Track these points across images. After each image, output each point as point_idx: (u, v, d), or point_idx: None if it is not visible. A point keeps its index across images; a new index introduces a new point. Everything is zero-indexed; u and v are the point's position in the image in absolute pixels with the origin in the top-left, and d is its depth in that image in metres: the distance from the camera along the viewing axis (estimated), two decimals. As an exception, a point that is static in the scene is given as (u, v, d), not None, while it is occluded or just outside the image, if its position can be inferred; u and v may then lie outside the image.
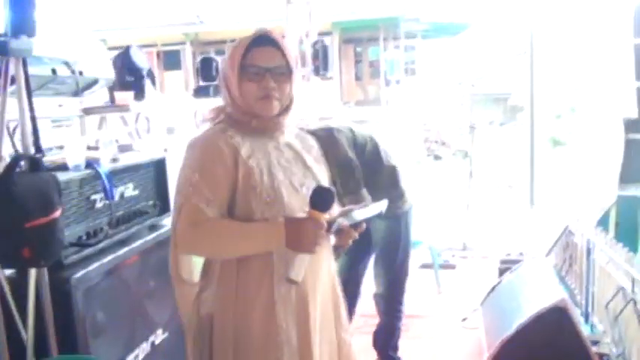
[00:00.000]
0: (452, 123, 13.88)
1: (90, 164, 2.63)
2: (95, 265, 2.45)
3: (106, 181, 2.63)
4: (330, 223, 1.74)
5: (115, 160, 2.86)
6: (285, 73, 1.83)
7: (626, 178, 4.81)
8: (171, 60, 14.85)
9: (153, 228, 3.02)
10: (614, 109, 6.05)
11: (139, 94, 3.61)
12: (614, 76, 6.19)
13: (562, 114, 8.67)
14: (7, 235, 1.97)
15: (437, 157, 14.90)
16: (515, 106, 12.94)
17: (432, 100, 14.02)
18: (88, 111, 3.42)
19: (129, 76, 3.66)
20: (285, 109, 1.88)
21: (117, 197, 2.76)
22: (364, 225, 1.87)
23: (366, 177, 3.24)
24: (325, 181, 1.96)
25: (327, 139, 3.12)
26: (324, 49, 5.70)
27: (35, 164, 2.14)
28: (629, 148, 4.91)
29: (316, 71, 5.69)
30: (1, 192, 1.97)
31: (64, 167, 2.59)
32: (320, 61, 5.70)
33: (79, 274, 2.35)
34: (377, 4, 12.22)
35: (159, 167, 3.12)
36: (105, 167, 2.67)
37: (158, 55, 15.37)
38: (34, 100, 2.35)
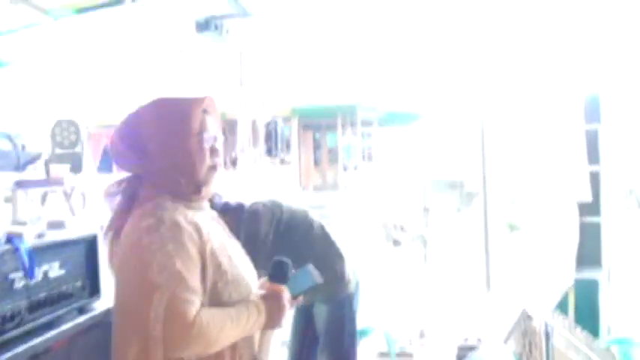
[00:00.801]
0: (409, 208, 13.93)
1: (10, 239, 2.41)
2: (10, 354, 2.20)
3: (25, 259, 2.40)
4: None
5: (40, 236, 2.65)
6: (220, 141, 1.82)
7: (582, 261, 4.78)
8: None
9: (82, 311, 2.77)
10: (568, 193, 6.11)
11: (76, 167, 3.45)
12: (567, 161, 6.28)
13: (516, 199, 8.75)
14: None
15: (396, 243, 14.81)
16: (472, 192, 13.06)
17: (389, 186, 14.11)
18: (20, 184, 3.23)
19: (65, 149, 3.50)
20: None
21: (39, 277, 2.53)
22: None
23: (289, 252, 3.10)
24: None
25: (235, 211, 3.04)
26: (276, 129, 5.66)
27: None
28: (584, 231, 4.91)
29: (269, 152, 5.62)
30: None
31: (-22, 242, 2.38)
32: (272, 142, 5.64)
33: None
34: (335, 92, 12.44)
35: (89, 245, 2.89)
36: (27, 244, 2.45)
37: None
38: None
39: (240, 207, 3.14)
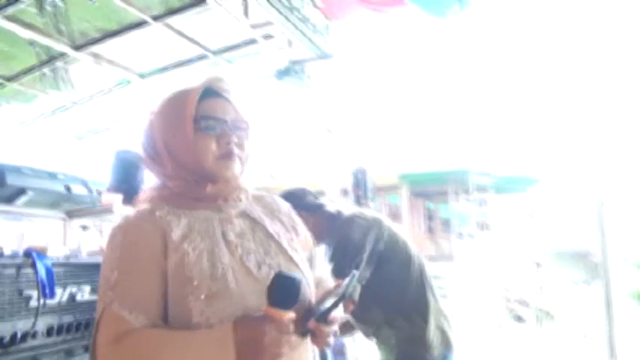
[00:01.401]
0: (531, 281, 12.93)
1: (29, 253, 2.27)
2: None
3: (42, 274, 2.23)
4: (302, 321, 1.29)
5: (70, 257, 2.51)
6: (243, 127, 1.47)
7: None
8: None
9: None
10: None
11: (132, 198, 3.33)
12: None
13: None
14: None
15: (518, 319, 13.74)
16: (599, 263, 11.86)
17: (508, 257, 13.24)
18: (70, 214, 3.18)
19: (124, 183, 3.42)
20: (243, 171, 1.50)
21: (63, 298, 2.37)
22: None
23: (383, 276, 2.70)
24: (298, 256, 1.49)
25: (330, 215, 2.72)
26: (364, 176, 5.38)
27: None
28: None
29: (357, 201, 5.33)
30: None
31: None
32: (361, 189, 5.36)
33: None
34: (443, 157, 12.03)
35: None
36: (49, 261, 2.31)
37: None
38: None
39: (338, 213, 2.84)
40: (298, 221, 1.60)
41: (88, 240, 3.24)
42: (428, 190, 13.76)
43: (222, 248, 1.38)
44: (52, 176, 3.72)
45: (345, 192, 5.66)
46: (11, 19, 5.00)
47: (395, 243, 2.88)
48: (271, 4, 4.27)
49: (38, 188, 3.44)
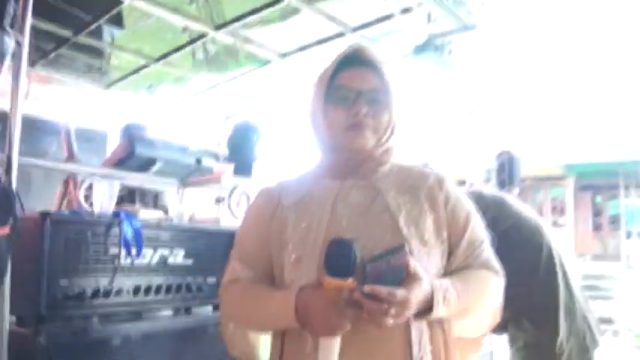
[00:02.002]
0: None
1: (117, 214, 2.29)
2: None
3: (129, 233, 2.24)
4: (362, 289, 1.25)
5: (165, 221, 2.52)
6: (381, 99, 1.47)
7: None
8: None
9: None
10: None
11: (246, 171, 3.34)
12: None
13: None
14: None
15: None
16: None
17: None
18: (183, 182, 3.22)
19: (236, 153, 3.42)
20: (381, 143, 1.49)
21: (152, 260, 2.37)
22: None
23: None
24: (414, 232, 1.40)
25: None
26: (511, 160, 4.94)
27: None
28: None
29: (501, 185, 4.91)
30: None
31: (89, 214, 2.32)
32: (506, 174, 4.93)
33: (51, 332, 1.94)
34: (615, 147, 10.89)
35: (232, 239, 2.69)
36: (139, 223, 2.31)
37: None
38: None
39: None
40: (450, 201, 1.51)
41: (202, 208, 3.29)
42: (596, 184, 12.62)
43: (325, 217, 1.41)
44: (183, 149, 3.82)
45: (488, 178, 5.27)
46: (160, 4, 5.20)
47: (520, 228, 2.54)
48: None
49: (168, 159, 3.53)
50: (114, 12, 5.35)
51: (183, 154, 3.71)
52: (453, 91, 5.77)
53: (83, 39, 5.87)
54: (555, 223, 10.78)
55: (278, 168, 4.67)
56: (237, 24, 5.59)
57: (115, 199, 2.42)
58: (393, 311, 1.22)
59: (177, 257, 2.48)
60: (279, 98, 6.54)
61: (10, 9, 1.93)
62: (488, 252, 1.57)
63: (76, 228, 2.14)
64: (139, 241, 2.29)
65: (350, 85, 1.46)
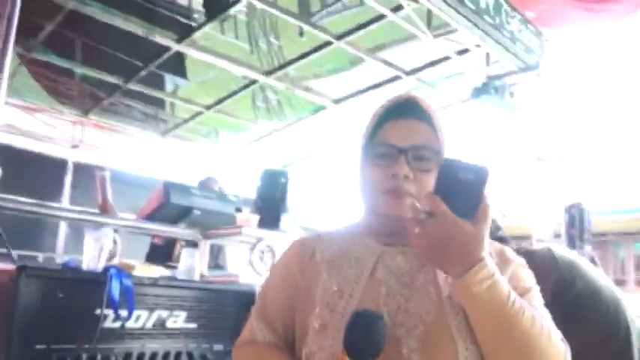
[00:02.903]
0: None
1: (106, 270, 2.08)
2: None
3: (115, 291, 2.02)
4: None
5: (165, 278, 2.29)
6: (430, 157, 1.22)
7: None
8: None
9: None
10: None
11: (273, 224, 3.09)
12: None
13: None
14: None
15: None
16: None
17: None
18: (205, 234, 3.00)
19: (264, 203, 3.18)
20: None
21: (147, 323, 2.14)
22: None
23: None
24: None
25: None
26: (581, 214, 4.47)
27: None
28: None
29: (571, 241, 4.44)
30: None
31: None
32: (576, 229, 4.46)
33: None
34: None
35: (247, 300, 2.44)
36: (128, 281, 2.10)
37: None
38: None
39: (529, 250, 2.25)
40: (511, 275, 1.22)
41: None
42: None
43: (362, 282, 1.21)
44: (222, 197, 3.65)
45: (556, 232, 4.80)
46: (223, 56, 5.22)
47: (595, 295, 2.14)
48: (456, 9, 3.75)
49: (205, 208, 3.35)
50: (177, 63, 5.55)
51: (222, 203, 3.52)
52: (518, 136, 5.38)
53: (147, 89, 5.99)
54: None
55: (320, 221, 4.42)
56: (293, 72, 5.59)
57: (106, 251, 2.21)
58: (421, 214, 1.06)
59: (178, 320, 2.23)
60: (335, 146, 6.36)
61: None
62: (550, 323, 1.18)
63: (55, 284, 1.93)
64: (129, 301, 2.07)
65: (391, 140, 1.23)
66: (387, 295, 1.17)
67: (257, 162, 6.96)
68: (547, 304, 1.53)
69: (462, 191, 1.05)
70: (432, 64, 4.88)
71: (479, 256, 1.07)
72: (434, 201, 1.05)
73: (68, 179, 6.33)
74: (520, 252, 2.13)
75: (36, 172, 5.72)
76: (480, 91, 4.47)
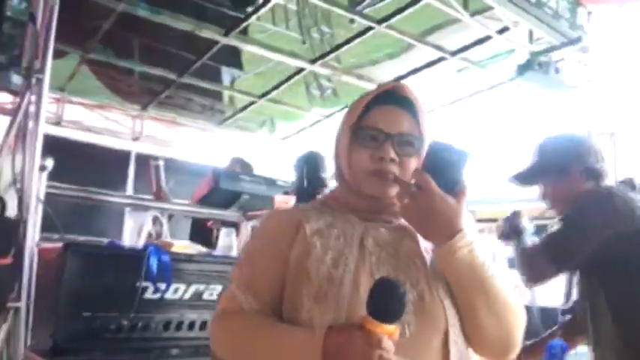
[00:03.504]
0: None
1: (146, 247, 2.27)
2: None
3: (153, 266, 2.21)
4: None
5: (202, 255, 2.46)
6: (413, 143, 1.32)
7: None
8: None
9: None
10: None
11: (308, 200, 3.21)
12: None
13: None
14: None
15: None
16: None
17: None
18: (246, 216, 3.16)
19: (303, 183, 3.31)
20: None
21: (184, 295, 2.32)
22: None
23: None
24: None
25: None
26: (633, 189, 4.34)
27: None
28: None
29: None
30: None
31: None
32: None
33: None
34: None
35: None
36: (167, 257, 2.28)
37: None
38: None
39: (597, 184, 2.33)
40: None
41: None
42: None
43: (353, 252, 1.27)
44: (270, 183, 3.79)
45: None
46: (276, 50, 5.38)
47: None
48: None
49: (253, 193, 3.51)
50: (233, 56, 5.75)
51: (270, 187, 3.67)
52: (567, 113, 5.28)
53: (203, 81, 6.25)
54: None
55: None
56: (347, 60, 5.69)
57: (145, 231, 2.40)
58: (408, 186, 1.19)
59: (214, 293, 2.40)
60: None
61: (16, 51, 2.01)
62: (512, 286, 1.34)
63: (98, 260, 2.13)
64: (166, 275, 2.24)
65: (377, 125, 1.32)
66: (378, 265, 1.25)
67: (312, 149, 7.12)
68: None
69: (446, 170, 1.18)
70: (475, 44, 4.87)
71: (460, 226, 1.19)
72: (424, 177, 1.16)
73: (131, 170, 6.70)
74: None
75: (101, 165, 6.08)
76: (524, 68, 4.43)
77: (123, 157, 6.67)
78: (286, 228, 1.32)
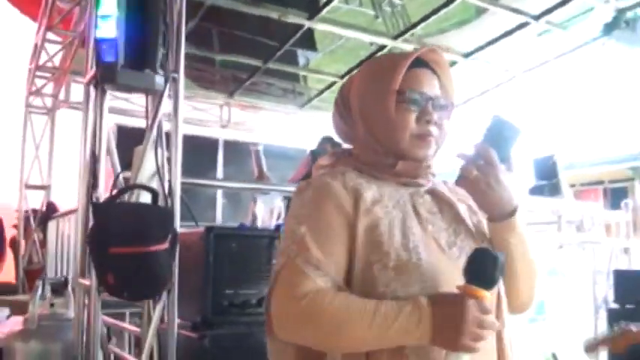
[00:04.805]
0: None
1: (278, 226, 2.44)
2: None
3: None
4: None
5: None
6: (447, 107, 1.36)
7: None
8: (618, 198, 13.36)
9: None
10: None
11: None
12: None
13: None
14: (95, 257, 1.97)
15: None
16: None
17: None
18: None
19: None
20: (437, 152, 1.39)
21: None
22: None
23: None
24: (487, 241, 1.37)
25: None
26: None
27: (154, 196, 2.11)
28: None
29: None
30: (97, 215, 2.00)
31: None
32: None
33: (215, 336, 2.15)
34: None
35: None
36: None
37: (605, 192, 14.24)
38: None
39: None
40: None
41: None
42: None
43: (414, 220, 1.28)
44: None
45: None
46: (349, 25, 5.47)
47: None
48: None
49: None
50: (307, 38, 5.85)
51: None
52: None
53: (283, 65, 6.40)
54: None
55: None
56: (419, 30, 5.68)
57: (276, 213, 2.56)
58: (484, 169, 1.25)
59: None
60: (466, 101, 6.41)
61: (159, 53, 2.18)
62: None
63: (238, 241, 2.32)
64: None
65: (421, 88, 1.32)
66: (438, 232, 1.29)
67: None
68: None
69: (503, 145, 1.27)
70: (558, 5, 4.79)
71: (517, 201, 1.28)
72: (489, 151, 1.24)
73: (220, 156, 7.00)
74: None
75: (193, 153, 6.36)
76: (610, 27, 4.34)
77: (212, 144, 6.97)
78: (345, 198, 1.26)
